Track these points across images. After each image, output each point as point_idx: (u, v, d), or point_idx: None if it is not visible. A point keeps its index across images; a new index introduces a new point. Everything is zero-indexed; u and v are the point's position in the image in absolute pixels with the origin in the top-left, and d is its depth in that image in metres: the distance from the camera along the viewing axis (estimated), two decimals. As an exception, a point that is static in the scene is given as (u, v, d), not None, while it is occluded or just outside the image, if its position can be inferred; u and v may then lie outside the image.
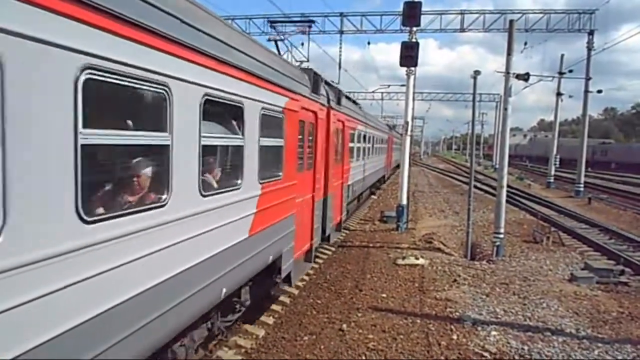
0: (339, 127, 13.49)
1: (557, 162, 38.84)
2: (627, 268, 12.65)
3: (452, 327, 8.34)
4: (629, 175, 47.05)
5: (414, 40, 16.95)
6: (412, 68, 17.23)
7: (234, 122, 5.96)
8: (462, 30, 33.58)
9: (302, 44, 39.98)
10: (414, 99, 18.43)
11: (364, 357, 7.13)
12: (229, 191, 5.71)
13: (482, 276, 11.58)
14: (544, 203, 26.38)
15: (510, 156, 18.32)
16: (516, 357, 7.28)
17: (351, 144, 16.44)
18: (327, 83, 12.42)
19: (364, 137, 20.14)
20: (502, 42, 14.60)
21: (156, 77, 3.97)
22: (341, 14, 34.15)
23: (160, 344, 4.35)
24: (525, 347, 7.62)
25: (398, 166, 43.87)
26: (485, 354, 7.36)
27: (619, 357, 7.38)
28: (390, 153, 39.12)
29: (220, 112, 5.58)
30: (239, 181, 6.00)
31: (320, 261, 12.71)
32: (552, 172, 38.30)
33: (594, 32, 31.43)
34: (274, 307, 9.11)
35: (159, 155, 4.24)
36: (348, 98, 17.02)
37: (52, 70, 2.96)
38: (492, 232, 14.85)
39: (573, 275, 11.74)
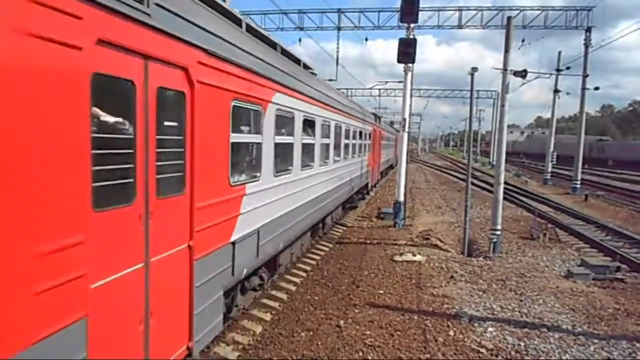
0: (214, 96, 5.50)
1: (554, 159, 38.92)
2: (624, 265, 12.71)
3: (449, 323, 8.36)
4: (625, 172, 47.17)
5: (411, 36, 16.93)
6: (410, 64, 17.22)
7: None
8: (460, 27, 33.60)
9: (300, 40, 39.34)
10: (411, 96, 18.39)
11: (361, 353, 7.14)
12: None
13: (479, 272, 11.60)
14: (541, 200, 26.46)
15: (507, 153, 18.34)
16: (512, 353, 7.30)
17: (281, 138, 8.30)
18: None
19: (312, 124, 10.70)
20: (500, 39, 14.54)
21: None
22: (339, 10, 34.15)
23: None
24: (522, 343, 7.65)
25: (391, 167, 43.19)
26: (482, 350, 7.38)
27: (615, 353, 7.42)
28: (377, 152, 28.35)
29: None
30: None
31: (318, 257, 12.71)
32: (549, 169, 38.41)
33: (592, 29, 31.48)
34: (271, 303, 9.11)
35: None
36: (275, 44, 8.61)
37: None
38: (489, 229, 14.88)
39: (569, 271, 11.78)
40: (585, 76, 31.43)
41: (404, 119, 18.03)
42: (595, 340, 7.84)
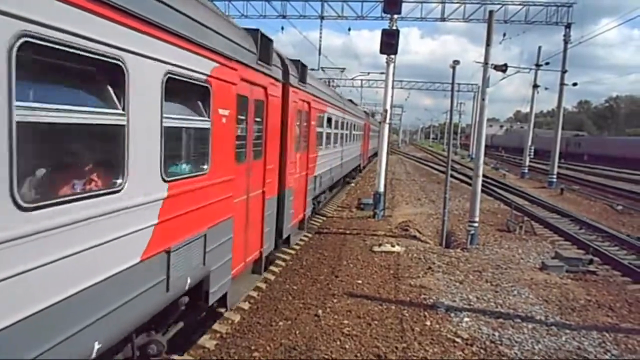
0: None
1: (532, 153, 39.54)
2: (596, 257, 13.01)
3: (426, 313, 8.47)
4: (600, 167, 48.18)
5: (394, 27, 16.92)
6: (392, 56, 17.23)
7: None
8: (443, 19, 33.67)
9: (282, 28, 39.13)
10: (393, 87, 18.44)
11: (339, 342, 7.20)
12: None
13: (456, 264, 11.76)
14: (518, 193, 26.85)
15: (486, 146, 18.52)
16: (487, 343, 7.44)
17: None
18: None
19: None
20: (483, 33, 14.49)
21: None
22: (322, -1, 33.86)
23: None
24: (496, 333, 7.80)
25: (376, 154, 43.72)
26: (458, 339, 7.50)
27: (585, 343, 7.61)
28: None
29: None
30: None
31: (297, 247, 12.73)
32: (527, 163, 39.00)
33: (571, 25, 31.87)
34: (250, 292, 9.10)
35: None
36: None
37: None
38: (467, 221, 15.07)
39: (544, 263, 12.01)
40: (563, 72, 31.85)
41: (385, 110, 18.08)
42: (567, 331, 8.04)
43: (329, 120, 15.98)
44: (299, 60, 10.66)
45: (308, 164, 12.39)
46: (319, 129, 14.05)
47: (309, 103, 11.84)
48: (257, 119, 7.83)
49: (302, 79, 10.83)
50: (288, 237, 10.86)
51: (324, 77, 36.75)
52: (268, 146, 8.35)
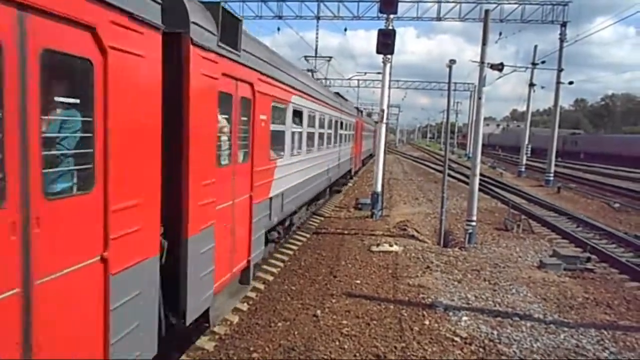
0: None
1: (529, 152, 39.60)
2: (593, 255, 13.03)
3: (425, 312, 8.48)
4: (597, 165, 48.29)
5: (390, 27, 16.93)
6: (389, 56, 17.23)
7: None
8: (439, 19, 33.71)
9: (278, 29, 39.09)
10: (390, 87, 18.43)
11: (337, 343, 7.19)
12: None
13: (454, 263, 11.77)
14: (515, 191, 26.88)
15: (483, 145, 18.55)
16: (486, 342, 7.45)
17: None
18: None
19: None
20: (479, 32, 14.61)
21: None
22: (318, -1, 33.88)
23: None
24: (495, 332, 7.80)
25: (371, 156, 43.47)
26: (456, 338, 7.51)
27: (584, 341, 7.63)
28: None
29: None
30: None
31: (295, 248, 12.72)
32: (524, 161, 39.04)
33: (567, 23, 31.94)
34: (248, 293, 9.09)
35: None
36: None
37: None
38: (464, 220, 15.08)
39: (542, 262, 12.03)
40: (559, 70, 31.91)
41: (382, 110, 18.09)
42: (565, 329, 8.06)
43: (299, 114, 11.56)
44: (219, 3, 6.10)
45: (253, 182, 7.97)
46: (277, 127, 9.54)
47: (251, 84, 7.54)
48: (70, 101, 3.72)
49: (230, 40, 6.41)
50: (207, 312, 6.39)
51: (320, 78, 36.71)
52: (116, 162, 3.99)
